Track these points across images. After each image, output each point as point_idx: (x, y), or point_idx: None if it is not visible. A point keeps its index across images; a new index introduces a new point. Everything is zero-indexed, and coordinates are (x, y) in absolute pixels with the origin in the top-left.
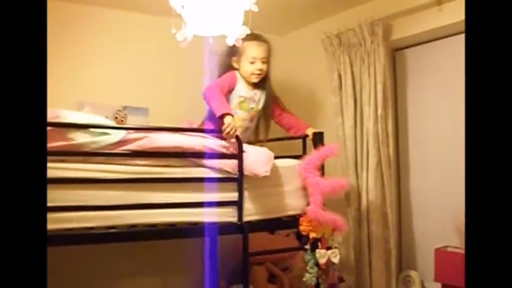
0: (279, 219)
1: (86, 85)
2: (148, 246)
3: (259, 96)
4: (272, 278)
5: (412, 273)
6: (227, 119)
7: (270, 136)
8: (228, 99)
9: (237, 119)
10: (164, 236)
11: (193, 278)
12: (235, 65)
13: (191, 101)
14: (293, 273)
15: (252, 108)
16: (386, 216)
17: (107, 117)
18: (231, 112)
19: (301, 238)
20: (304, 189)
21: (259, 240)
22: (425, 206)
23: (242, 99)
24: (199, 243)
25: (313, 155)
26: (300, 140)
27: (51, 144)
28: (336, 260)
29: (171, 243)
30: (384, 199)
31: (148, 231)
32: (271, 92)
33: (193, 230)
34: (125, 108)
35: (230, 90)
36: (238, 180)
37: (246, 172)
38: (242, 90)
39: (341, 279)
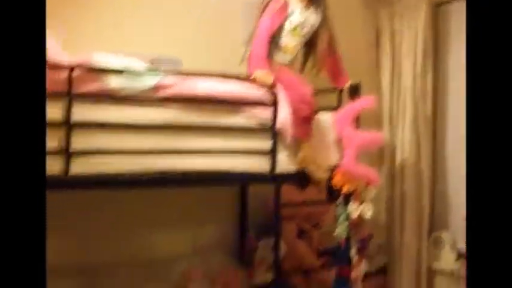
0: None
1: (120, 35)
2: (178, 198)
3: (314, 20)
4: (302, 234)
5: (444, 234)
6: (258, 74)
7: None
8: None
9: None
10: (195, 183)
11: (223, 231)
12: None
13: (226, 52)
14: (323, 229)
15: (307, 33)
16: (421, 175)
17: None
18: (265, 67)
19: (333, 192)
20: (339, 142)
21: (290, 196)
22: (461, 166)
23: (294, 25)
24: (230, 196)
25: (349, 107)
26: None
27: (85, 88)
28: (368, 214)
29: (202, 195)
30: (419, 157)
31: (179, 177)
32: (326, 17)
33: (226, 178)
34: (158, 58)
35: (283, 22)
36: (272, 129)
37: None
38: (295, 14)
39: (370, 237)
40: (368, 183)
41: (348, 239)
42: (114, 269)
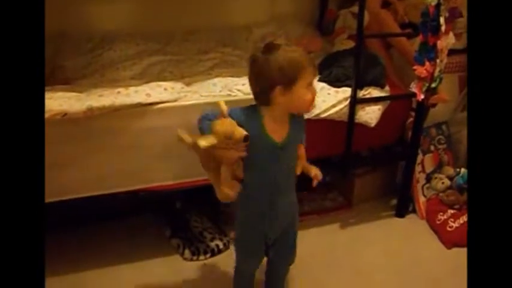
0: None
1: None
2: None
3: None
4: (386, 5)
5: None
6: None
7: None
8: None
9: None
10: None
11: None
12: None
13: None
14: (409, 1)
15: None
16: None
17: None
18: None
19: None
20: None
21: None
22: None
23: None
24: None
25: None
26: None
27: None
28: None
29: None
30: None
31: None
32: None
33: None
34: None
35: None
36: None
37: None
38: None
39: (460, 14)
40: None
41: (437, 5)
42: (191, 34)
